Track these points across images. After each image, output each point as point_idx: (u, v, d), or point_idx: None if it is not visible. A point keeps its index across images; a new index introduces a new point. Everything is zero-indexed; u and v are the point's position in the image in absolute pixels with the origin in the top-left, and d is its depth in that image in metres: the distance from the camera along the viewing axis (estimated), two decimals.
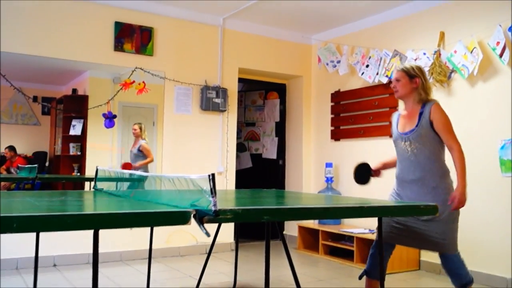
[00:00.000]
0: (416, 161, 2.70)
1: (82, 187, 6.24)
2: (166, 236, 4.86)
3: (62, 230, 1.49)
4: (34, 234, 2.92)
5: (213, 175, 1.77)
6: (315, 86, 5.96)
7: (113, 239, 4.55)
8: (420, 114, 2.72)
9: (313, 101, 5.98)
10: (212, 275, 3.94)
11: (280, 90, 6.29)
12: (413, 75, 2.76)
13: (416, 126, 2.71)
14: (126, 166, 5.28)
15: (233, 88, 5.43)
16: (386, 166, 3.01)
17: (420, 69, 2.82)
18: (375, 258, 2.75)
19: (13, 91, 7.23)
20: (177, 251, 4.91)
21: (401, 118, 2.87)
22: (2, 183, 6.25)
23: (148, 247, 3.30)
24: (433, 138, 2.69)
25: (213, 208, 1.72)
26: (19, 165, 6.97)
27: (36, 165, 5.89)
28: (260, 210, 1.91)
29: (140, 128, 5.35)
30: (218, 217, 1.73)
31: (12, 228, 1.35)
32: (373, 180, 3.03)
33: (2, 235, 3.74)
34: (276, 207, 2.03)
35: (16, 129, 8.58)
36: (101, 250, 1.88)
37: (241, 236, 4.96)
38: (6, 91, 7.62)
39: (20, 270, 3.95)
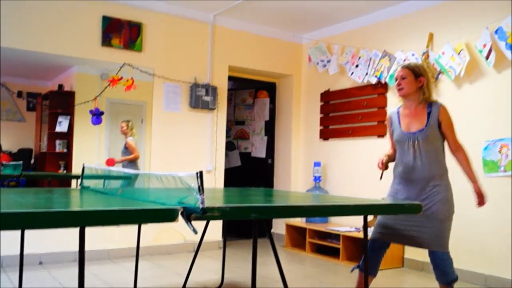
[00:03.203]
0: (422, 161, 2.71)
1: (69, 185, 6.18)
2: (154, 234, 4.83)
3: (48, 227, 1.48)
4: (19, 231, 2.89)
5: (201, 172, 1.78)
6: (305, 85, 5.98)
7: (100, 237, 4.51)
8: (429, 114, 2.75)
9: (303, 101, 5.99)
10: (199, 272, 3.94)
11: (270, 89, 6.29)
12: (418, 74, 2.77)
13: (426, 126, 2.72)
14: (109, 161, 5.26)
15: (223, 86, 5.42)
16: (390, 158, 2.93)
17: (424, 67, 2.84)
18: (370, 255, 2.77)
19: None
20: (164, 249, 4.90)
21: (402, 117, 2.83)
22: None
23: (135, 245, 3.28)
24: (439, 139, 2.75)
25: (200, 206, 1.72)
26: (4, 162, 6.87)
27: (21, 162, 5.82)
28: (248, 208, 1.92)
29: (127, 125, 5.34)
30: (206, 214, 1.74)
31: None
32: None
33: None
34: (263, 205, 2.03)
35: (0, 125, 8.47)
36: (88, 248, 1.87)
37: (228, 234, 4.96)
38: None
39: (5, 269, 3.90)
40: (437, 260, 2.66)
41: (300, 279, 3.99)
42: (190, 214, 1.74)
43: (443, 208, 2.67)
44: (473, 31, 4.01)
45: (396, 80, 2.82)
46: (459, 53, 4.05)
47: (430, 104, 2.77)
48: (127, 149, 5.29)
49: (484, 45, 3.85)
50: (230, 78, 5.69)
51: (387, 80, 4.71)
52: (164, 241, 4.89)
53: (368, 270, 2.69)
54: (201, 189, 1.73)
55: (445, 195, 2.69)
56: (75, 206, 1.98)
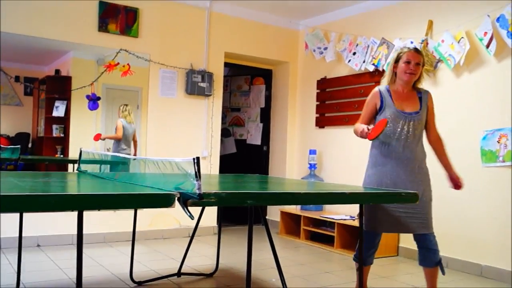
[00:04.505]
0: (415, 142, 2.76)
1: (66, 169, 6.19)
2: (150, 219, 4.87)
3: (46, 210, 1.49)
4: (18, 214, 2.91)
5: (197, 158, 1.78)
6: (301, 73, 5.97)
7: (97, 221, 4.55)
8: (420, 98, 2.82)
9: (299, 88, 5.99)
10: (194, 257, 3.98)
11: (266, 75, 6.28)
12: (424, 63, 2.83)
13: (420, 109, 2.78)
14: (96, 136, 5.38)
15: (218, 73, 5.41)
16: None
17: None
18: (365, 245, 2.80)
19: None
20: (160, 233, 4.93)
21: (395, 97, 2.79)
22: None
23: (131, 229, 3.31)
24: (424, 124, 2.83)
25: (197, 192, 1.73)
26: (1, 146, 6.87)
27: (19, 146, 5.83)
28: (244, 194, 1.94)
29: (119, 108, 5.43)
30: (202, 200, 1.75)
31: None
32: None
33: None
34: (259, 191, 2.05)
35: None
36: (84, 231, 1.89)
37: (223, 220, 5.00)
38: None
39: (3, 250, 3.93)
40: (428, 241, 2.72)
41: (294, 265, 4.04)
42: (186, 200, 1.75)
43: (430, 190, 2.79)
44: (473, 19, 3.99)
45: (409, 62, 2.74)
46: (458, 41, 4.04)
47: (418, 90, 2.85)
48: (115, 130, 5.41)
49: (485, 33, 3.83)
50: (226, 65, 5.69)
51: (384, 68, 4.72)
52: (159, 226, 4.93)
53: (364, 260, 2.74)
54: (198, 175, 1.74)
55: (429, 177, 2.82)
56: (72, 190, 2.00)
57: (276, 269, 2.67)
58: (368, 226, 2.77)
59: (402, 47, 3.05)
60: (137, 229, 3.37)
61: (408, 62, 2.75)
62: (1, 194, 1.39)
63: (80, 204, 1.56)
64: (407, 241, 4.38)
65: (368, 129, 2.64)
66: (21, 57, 7.13)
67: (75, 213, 1.77)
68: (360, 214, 2.55)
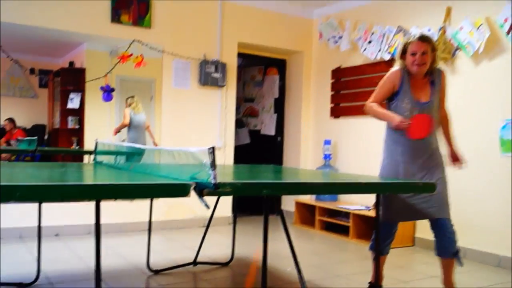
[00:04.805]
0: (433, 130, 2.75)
1: (81, 160, 6.26)
2: (165, 208, 4.90)
3: (64, 200, 1.51)
4: (37, 204, 2.95)
5: (213, 148, 1.78)
6: (315, 62, 5.92)
7: (113, 211, 4.59)
8: (432, 82, 2.74)
9: (313, 78, 5.95)
10: (210, 247, 3.99)
11: (279, 65, 6.24)
12: (434, 48, 2.70)
13: (432, 95, 2.71)
14: (114, 130, 5.56)
15: (232, 63, 5.39)
16: None
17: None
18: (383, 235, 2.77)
19: (10, 63, 7.17)
20: (175, 223, 4.97)
21: (412, 83, 2.70)
22: (3, 155, 6.26)
23: (148, 219, 3.34)
24: (437, 108, 2.77)
25: (213, 181, 1.73)
26: (19, 138, 6.96)
27: (36, 137, 5.90)
28: (260, 184, 1.93)
29: (126, 101, 5.56)
30: (218, 190, 1.75)
31: (15, 197, 1.36)
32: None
33: (6, 205, 3.76)
34: (275, 181, 2.05)
35: (14, 101, 8.53)
36: (101, 221, 1.91)
37: (238, 211, 5.01)
38: (3, 63, 7.55)
39: (23, 239, 3.99)
40: (445, 228, 2.64)
41: (309, 255, 4.04)
42: (202, 189, 1.76)
43: (445, 175, 2.75)
44: (493, 5, 3.89)
45: (414, 54, 2.63)
46: (478, 28, 3.95)
47: (431, 72, 2.74)
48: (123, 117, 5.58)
49: (506, 20, 3.74)
50: (240, 55, 5.66)
51: None
52: (175, 216, 4.96)
53: (380, 250, 2.72)
54: (213, 164, 1.74)
55: (443, 162, 2.78)
56: (90, 180, 2.01)
57: (291, 258, 2.67)
58: (385, 217, 2.74)
59: (408, 36, 2.95)
60: (153, 219, 3.39)
61: (414, 54, 2.64)
62: (21, 184, 1.40)
63: (98, 194, 1.58)
64: (424, 231, 4.34)
65: (406, 122, 2.57)
66: (36, 50, 7.19)
67: (93, 203, 1.78)
68: (377, 204, 2.53)
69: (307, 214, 5.48)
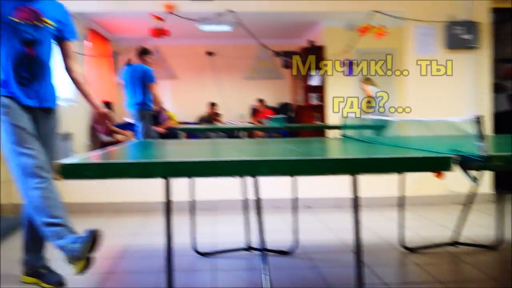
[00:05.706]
0: None
1: (323, 135, 6.54)
2: (414, 183, 4.66)
3: (322, 174, 1.57)
4: (289, 178, 3.15)
5: (480, 117, 1.60)
6: None
7: (361, 185, 4.60)
8: None
9: None
10: (468, 226, 3.60)
11: None
12: None
13: None
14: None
15: (484, 21, 4.75)
16: None
17: None
18: None
19: (256, 48, 7.96)
20: (426, 199, 4.68)
21: None
22: (259, 133, 7.03)
23: (394, 194, 3.23)
24: None
25: (483, 154, 1.53)
26: (270, 116, 7.71)
27: (284, 115, 6.42)
28: None
29: (362, 83, 6.14)
30: (489, 163, 1.54)
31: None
32: None
33: (265, 178, 4.19)
34: None
35: (262, 83, 9.54)
36: (346, 195, 1.92)
37: (498, 187, 4.41)
38: (250, 49, 8.43)
39: (279, 209, 4.34)
40: None
41: None
42: (468, 163, 1.57)
43: None
44: None
45: None
46: None
47: None
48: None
49: None
50: (494, 10, 4.93)
51: None
52: (425, 192, 4.69)
53: None
54: (482, 135, 1.55)
55: None
56: (344, 154, 2.03)
57: None
58: None
59: None
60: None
61: None
62: (291, 159, 1.49)
63: (353, 168, 1.61)
64: None
65: None
66: (277, 33, 7.79)
67: (340, 177, 1.77)
68: None
69: None
